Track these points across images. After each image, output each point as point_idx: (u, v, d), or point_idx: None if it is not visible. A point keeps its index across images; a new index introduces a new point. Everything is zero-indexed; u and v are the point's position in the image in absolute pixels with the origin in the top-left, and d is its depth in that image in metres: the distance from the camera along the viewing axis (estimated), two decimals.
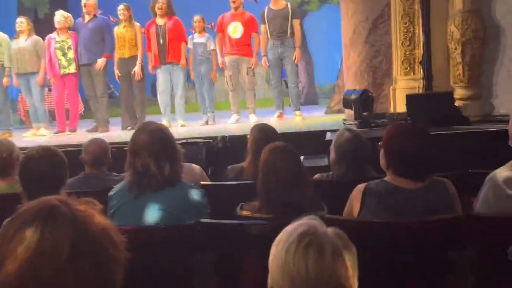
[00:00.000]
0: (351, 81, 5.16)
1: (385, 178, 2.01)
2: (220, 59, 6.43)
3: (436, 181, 1.95)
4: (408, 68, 4.82)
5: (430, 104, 4.26)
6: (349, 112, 4.69)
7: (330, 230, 1.01)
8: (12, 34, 6.46)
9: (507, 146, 1.97)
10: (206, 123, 6.50)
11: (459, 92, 4.47)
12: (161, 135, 2.07)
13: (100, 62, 6.26)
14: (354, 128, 3.95)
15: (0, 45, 6.40)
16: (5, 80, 6.40)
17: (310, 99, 10.81)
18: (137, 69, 6.20)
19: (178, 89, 6.35)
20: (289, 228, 1.03)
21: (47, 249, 0.86)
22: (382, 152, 2.02)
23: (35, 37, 6.42)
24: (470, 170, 2.58)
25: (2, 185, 2.96)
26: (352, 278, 0.97)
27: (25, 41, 6.31)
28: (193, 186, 2.15)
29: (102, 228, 0.93)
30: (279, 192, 1.93)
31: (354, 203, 1.99)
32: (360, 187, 2.00)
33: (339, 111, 6.46)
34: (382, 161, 2.03)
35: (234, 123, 6.29)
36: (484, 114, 4.43)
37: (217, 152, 4.43)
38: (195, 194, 2.08)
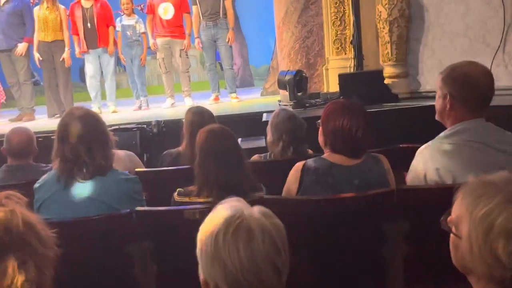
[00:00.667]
0: (285, 62, 5.19)
1: (323, 156, 2.03)
2: (151, 41, 6.23)
3: (372, 157, 2.00)
4: (340, 48, 4.91)
5: (361, 82, 4.38)
6: (284, 93, 4.72)
7: (255, 210, 0.97)
8: None
9: (434, 121, 2.05)
10: (139, 108, 6.31)
11: (388, 70, 4.62)
12: (91, 121, 1.97)
13: (21, 47, 5.86)
14: (290, 108, 3.98)
15: None
16: None
17: (245, 81, 10.79)
18: (66, 55, 5.87)
19: (108, 73, 6.10)
20: (214, 215, 0.97)
21: None
22: (320, 129, 2.04)
23: None
24: (400, 145, 2.68)
25: None
26: (284, 256, 0.95)
27: None
28: (126, 173, 2.07)
29: (27, 224, 0.87)
30: (218, 175, 1.89)
31: (292, 181, 2.00)
32: (298, 165, 2.01)
33: (274, 93, 6.49)
34: (320, 139, 2.05)
35: (169, 107, 6.15)
36: (411, 91, 4.63)
37: (152, 138, 4.31)
38: (128, 182, 2.01)
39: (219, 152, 1.93)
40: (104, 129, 2.03)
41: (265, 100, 6.39)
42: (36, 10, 5.90)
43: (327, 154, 2.02)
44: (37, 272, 0.85)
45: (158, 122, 4.36)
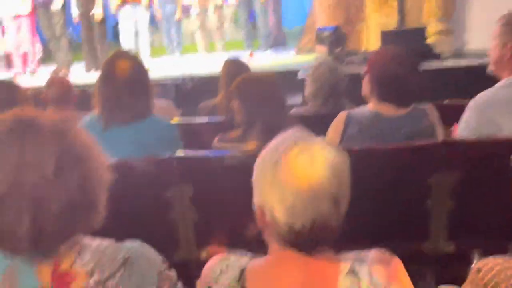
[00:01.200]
0: (323, 18, 5.03)
1: (367, 106, 1.95)
2: None
3: (419, 108, 1.91)
4: (381, 4, 4.71)
5: (404, 40, 4.20)
6: (321, 50, 4.60)
7: (319, 140, 0.94)
8: None
9: (478, 81, 1.95)
10: (174, 65, 6.29)
11: (432, 27, 4.41)
12: (136, 64, 1.94)
13: (57, 0, 5.87)
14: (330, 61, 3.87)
15: None
16: None
17: (278, 41, 10.55)
18: (97, 10, 5.85)
19: (142, 30, 6.06)
20: (274, 142, 0.96)
21: (30, 162, 0.79)
22: (366, 77, 1.95)
23: None
24: (445, 101, 2.57)
25: None
26: (344, 187, 0.92)
27: None
28: (164, 119, 2.05)
29: (87, 144, 0.87)
30: (263, 119, 1.85)
31: (334, 132, 1.94)
32: (341, 115, 1.95)
33: (309, 51, 6.33)
34: (365, 88, 1.96)
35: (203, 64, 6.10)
36: (455, 49, 4.42)
37: (187, 93, 4.30)
38: (167, 127, 2.00)
39: (264, 96, 1.89)
40: (147, 74, 2.01)
41: (300, 58, 6.25)
42: None
43: (372, 104, 1.94)
44: (94, 190, 0.86)
45: (193, 78, 4.34)
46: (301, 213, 0.88)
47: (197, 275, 1.05)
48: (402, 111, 1.87)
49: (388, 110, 1.87)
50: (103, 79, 1.91)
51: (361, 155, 1.83)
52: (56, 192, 0.81)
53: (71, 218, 0.83)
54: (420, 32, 4.34)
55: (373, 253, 0.97)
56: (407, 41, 4.22)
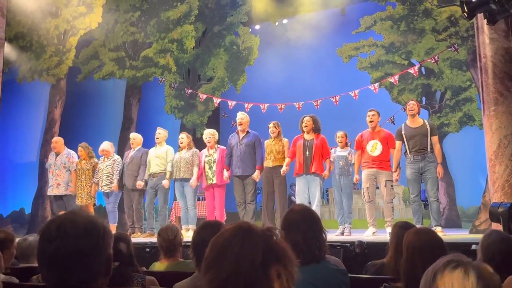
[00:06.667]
0: (498, 195, 4.94)
1: None
2: (355, 177, 6.63)
3: None
4: None
5: None
6: (497, 227, 4.44)
7: (475, 261, 1.11)
8: (175, 148, 7.58)
9: None
10: (342, 234, 6.55)
11: None
12: (309, 215, 2.31)
13: (256, 174, 6.82)
14: (502, 230, 3.73)
15: (166, 154, 7.49)
16: (165, 183, 7.32)
17: (451, 222, 10.23)
18: (282, 170, 6.66)
19: (314, 198, 6.60)
20: (436, 262, 1.16)
21: (246, 254, 1.14)
22: None
23: (194, 149, 7.36)
24: None
25: (165, 263, 3.41)
26: None
27: (185, 152, 7.30)
28: (337, 265, 2.29)
29: (283, 247, 1.20)
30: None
31: None
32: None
33: (485, 232, 6.04)
34: None
35: (371, 236, 6.24)
36: None
37: (355, 257, 4.46)
38: (338, 273, 2.22)
39: (427, 251, 2.03)
40: (320, 224, 2.34)
41: (474, 236, 5.99)
42: (266, 142, 6.99)
43: None
44: (286, 281, 1.15)
45: (361, 243, 4.53)
46: None
47: None
48: None
49: None
50: (282, 227, 2.30)
51: None
52: (260, 278, 1.11)
53: None
54: None
55: None
56: None
